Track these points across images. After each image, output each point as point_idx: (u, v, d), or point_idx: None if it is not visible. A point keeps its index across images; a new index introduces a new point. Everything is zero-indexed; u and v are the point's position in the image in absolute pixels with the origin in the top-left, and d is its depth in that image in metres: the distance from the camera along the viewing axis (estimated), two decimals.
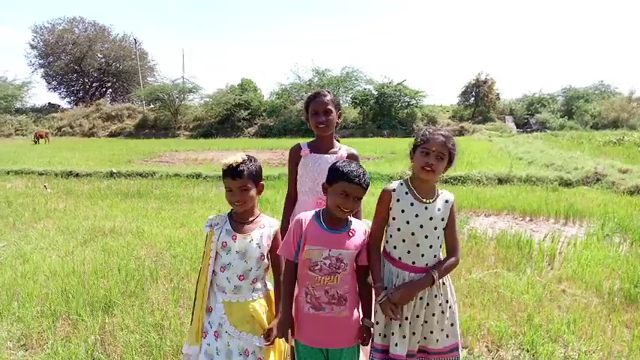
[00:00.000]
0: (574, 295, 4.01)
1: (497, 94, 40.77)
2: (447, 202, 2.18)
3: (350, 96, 38.09)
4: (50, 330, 3.35)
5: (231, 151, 16.03)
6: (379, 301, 2.11)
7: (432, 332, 2.19)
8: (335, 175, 2.06)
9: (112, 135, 38.66)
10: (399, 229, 2.15)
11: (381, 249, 2.25)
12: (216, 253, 2.17)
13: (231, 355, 2.13)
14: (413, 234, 2.13)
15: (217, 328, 2.16)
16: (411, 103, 36.85)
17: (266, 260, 2.21)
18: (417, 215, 2.13)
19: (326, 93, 2.69)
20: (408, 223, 2.13)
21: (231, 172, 2.10)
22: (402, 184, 2.21)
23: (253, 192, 2.16)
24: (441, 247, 2.20)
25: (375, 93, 36.83)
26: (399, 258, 2.17)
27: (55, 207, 8.08)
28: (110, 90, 54.34)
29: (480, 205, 7.89)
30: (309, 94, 2.79)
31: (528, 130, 35.77)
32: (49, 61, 49.55)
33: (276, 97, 39.00)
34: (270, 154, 19.60)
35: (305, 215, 2.15)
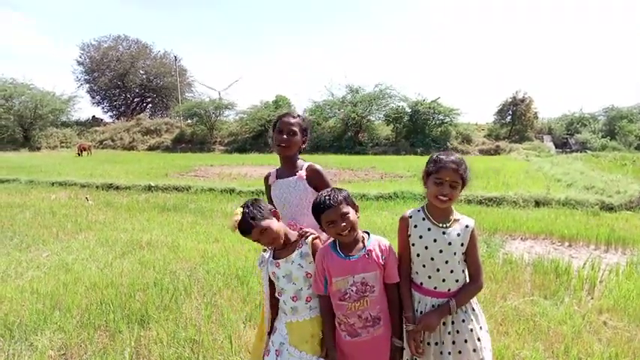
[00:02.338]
0: (616, 327, 3.84)
1: (535, 112, 39.87)
2: (467, 227, 2.17)
3: (383, 113, 38.10)
4: (89, 341, 3.47)
5: (265, 167, 16.35)
6: (407, 329, 2.15)
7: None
8: (315, 211, 2.17)
9: (151, 149, 39.96)
10: (418, 255, 2.17)
11: None
12: (270, 282, 2.34)
13: None
14: (432, 259, 2.14)
15: (279, 347, 2.28)
16: (445, 121, 36.45)
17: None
18: (435, 240, 2.14)
19: (295, 115, 2.70)
20: (426, 248, 2.15)
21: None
22: (419, 210, 2.23)
23: (274, 226, 2.25)
24: (464, 271, 2.19)
25: (409, 110, 36.68)
26: (421, 283, 2.19)
27: (95, 219, 8.39)
28: (150, 105, 56.38)
29: (517, 228, 7.70)
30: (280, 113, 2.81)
31: (568, 150, 34.72)
32: (94, 77, 52.04)
33: (309, 114, 39.40)
34: None
35: (323, 249, 2.22)
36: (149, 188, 12.66)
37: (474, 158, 28.31)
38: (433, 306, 2.14)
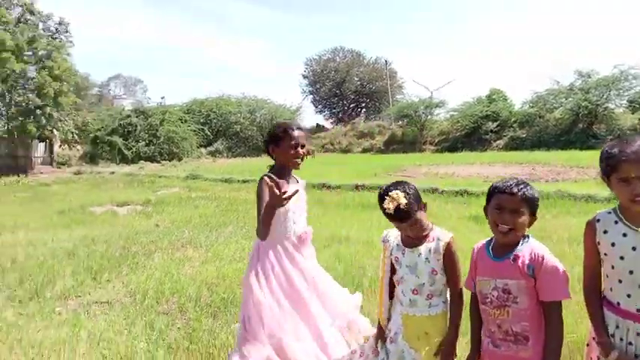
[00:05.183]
0: None
1: None
2: None
3: (625, 99, 31.92)
4: None
5: (475, 166, 15.58)
6: None
7: None
8: (490, 192, 1.95)
9: (364, 151, 42.35)
10: (612, 267, 1.74)
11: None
12: (392, 266, 2.27)
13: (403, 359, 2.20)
14: (631, 272, 1.68)
15: (393, 335, 2.25)
16: None
17: (441, 276, 2.14)
18: (633, 248, 1.67)
19: (301, 126, 2.93)
20: (622, 258, 1.70)
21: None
22: (610, 212, 1.78)
23: (422, 217, 2.17)
24: None
25: None
26: (618, 303, 1.74)
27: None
28: (364, 109, 59.88)
29: None
30: (279, 122, 3.02)
31: None
32: (317, 88, 58.18)
33: (530, 106, 35.76)
34: (516, 169, 18.08)
35: (478, 245, 2.06)
36: (356, 187, 13.44)
37: None
38: (638, 333, 1.68)
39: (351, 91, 57.10)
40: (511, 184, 1.87)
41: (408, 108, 41.39)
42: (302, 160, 2.79)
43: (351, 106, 59.68)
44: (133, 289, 4.94)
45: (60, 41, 25.64)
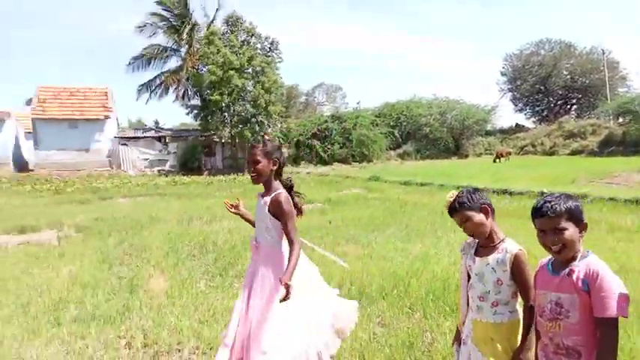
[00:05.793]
0: None
1: None
2: None
3: None
4: (405, 316, 4.20)
5: None
6: None
7: None
8: (531, 214, 2.00)
9: (573, 153, 37.39)
10: None
11: None
12: (468, 273, 2.45)
13: None
14: None
15: (464, 337, 2.42)
16: None
17: (507, 286, 2.23)
18: None
19: (259, 143, 2.93)
20: None
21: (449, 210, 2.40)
22: None
23: (478, 218, 2.29)
24: None
25: None
26: None
27: None
28: (575, 106, 52.76)
29: None
30: None
31: None
32: (517, 85, 53.43)
33: None
34: None
35: (543, 260, 2.11)
36: (541, 194, 12.25)
37: None
38: None
39: (558, 86, 50.83)
40: (541, 205, 1.91)
41: (632, 102, 34.95)
42: (257, 175, 2.87)
43: (559, 102, 53.16)
44: None
45: (271, 58, 29.78)
